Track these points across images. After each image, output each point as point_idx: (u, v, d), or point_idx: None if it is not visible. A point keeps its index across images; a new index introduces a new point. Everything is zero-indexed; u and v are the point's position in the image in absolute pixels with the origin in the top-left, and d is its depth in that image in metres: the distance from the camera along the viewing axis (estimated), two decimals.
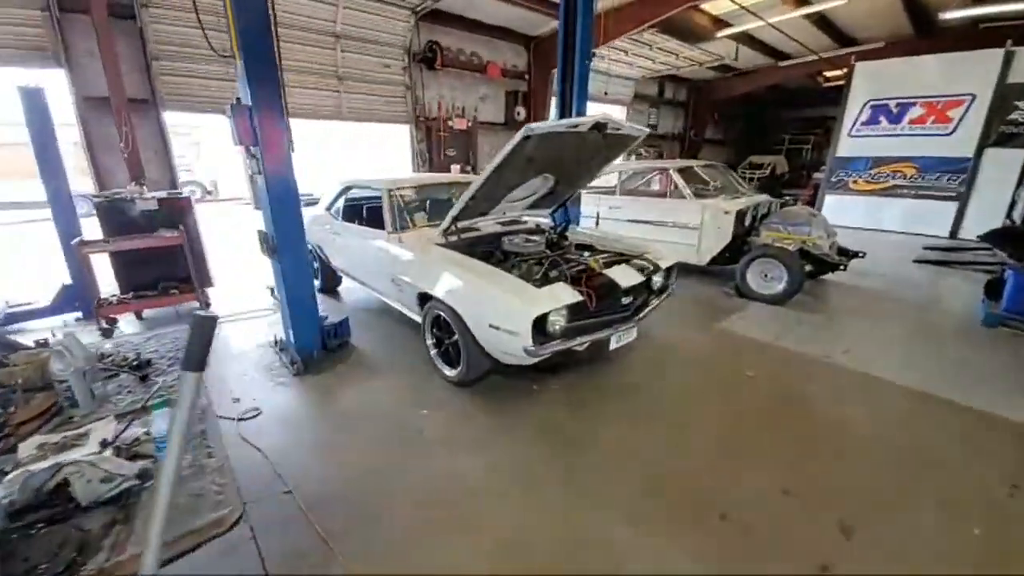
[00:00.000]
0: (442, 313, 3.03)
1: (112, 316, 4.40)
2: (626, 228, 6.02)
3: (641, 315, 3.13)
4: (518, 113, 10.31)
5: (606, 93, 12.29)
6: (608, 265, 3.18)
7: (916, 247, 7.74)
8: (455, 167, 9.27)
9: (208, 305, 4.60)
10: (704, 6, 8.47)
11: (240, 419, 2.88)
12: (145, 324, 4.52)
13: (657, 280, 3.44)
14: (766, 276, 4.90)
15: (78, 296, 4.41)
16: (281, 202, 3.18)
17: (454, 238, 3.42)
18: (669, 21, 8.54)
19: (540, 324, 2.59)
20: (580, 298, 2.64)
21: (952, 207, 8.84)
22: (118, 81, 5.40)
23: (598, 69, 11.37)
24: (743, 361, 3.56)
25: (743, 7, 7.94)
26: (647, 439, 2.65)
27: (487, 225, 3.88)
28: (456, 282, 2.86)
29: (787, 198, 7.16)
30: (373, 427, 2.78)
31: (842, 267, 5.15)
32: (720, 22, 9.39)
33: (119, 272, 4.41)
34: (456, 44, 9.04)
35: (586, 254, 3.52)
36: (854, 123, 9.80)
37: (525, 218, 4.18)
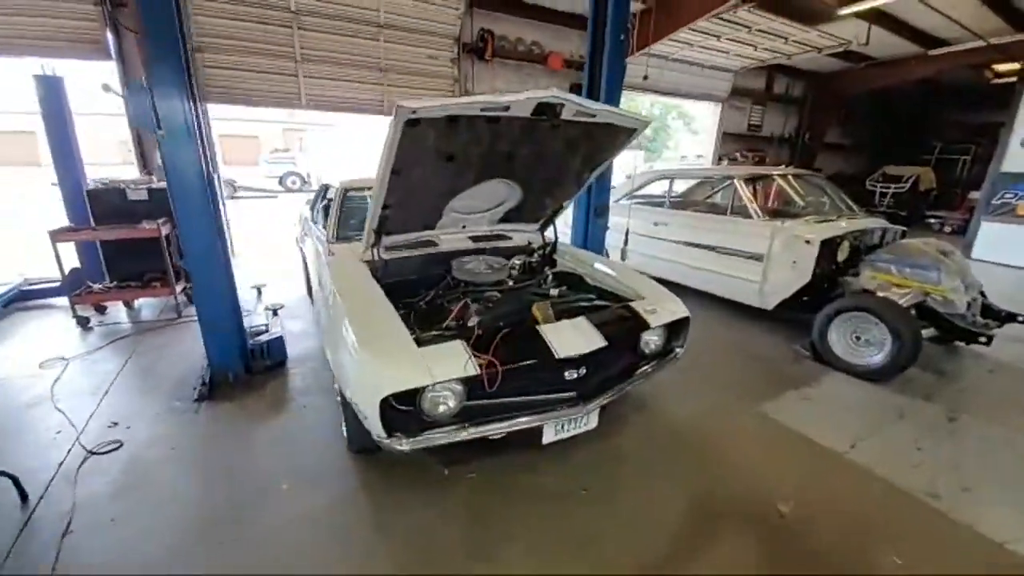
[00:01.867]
0: None
1: (101, 304, 4.40)
2: (672, 252, 4.77)
3: (609, 394, 2.09)
4: None
5: (689, 88, 10.64)
6: (568, 314, 2.18)
7: None
8: None
9: (181, 302, 4.40)
10: None
11: (92, 452, 2.43)
12: (133, 315, 4.46)
13: (650, 340, 2.35)
14: (858, 338, 3.40)
15: (85, 279, 4.47)
16: (186, 193, 2.68)
17: (387, 255, 2.66)
18: None
19: (412, 401, 1.73)
20: (473, 372, 1.71)
21: None
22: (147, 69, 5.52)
23: (682, 59, 9.82)
24: (782, 479, 2.30)
25: None
26: None
27: (455, 240, 3.07)
28: (325, 322, 2.10)
29: (932, 221, 5.24)
30: (214, 492, 2.13)
31: (983, 340, 3.38)
32: None
33: (108, 261, 4.39)
34: (514, 32, 8.24)
35: (553, 291, 2.54)
36: None
37: (516, 234, 3.27)
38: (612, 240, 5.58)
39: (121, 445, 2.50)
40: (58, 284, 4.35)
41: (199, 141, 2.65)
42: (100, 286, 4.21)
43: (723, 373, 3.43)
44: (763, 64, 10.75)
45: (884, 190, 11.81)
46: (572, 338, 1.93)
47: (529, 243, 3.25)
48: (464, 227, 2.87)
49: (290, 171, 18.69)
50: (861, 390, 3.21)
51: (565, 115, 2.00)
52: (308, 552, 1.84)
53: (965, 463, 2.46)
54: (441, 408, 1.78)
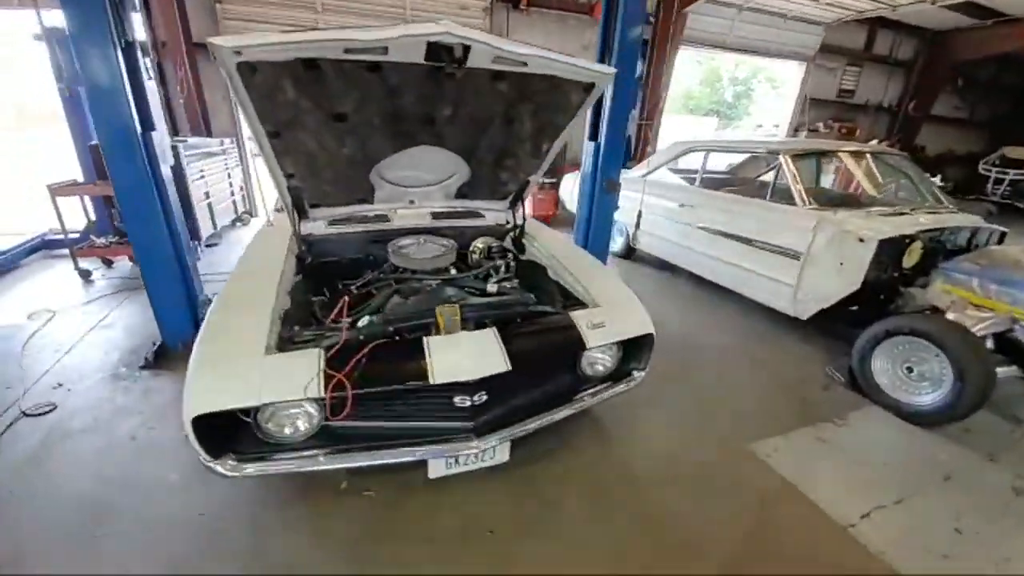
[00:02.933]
0: None
1: (107, 258, 4.54)
2: (698, 241, 4.07)
3: (522, 427, 1.67)
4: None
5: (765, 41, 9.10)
6: (493, 323, 1.76)
7: None
8: None
9: None
10: None
11: (25, 413, 2.41)
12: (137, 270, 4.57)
13: (596, 360, 1.87)
14: (910, 370, 2.66)
15: (100, 232, 4.61)
16: (114, 151, 2.49)
17: (330, 230, 2.37)
18: None
19: (254, 419, 1.43)
20: (315, 394, 1.35)
21: None
22: (173, 24, 5.46)
23: (759, 7, 8.38)
24: (739, 561, 1.78)
25: None
26: None
27: (412, 216, 2.70)
28: None
29: None
30: (105, 475, 2.00)
31: None
32: None
33: (111, 217, 4.48)
34: None
35: (492, 286, 2.10)
36: None
37: (491, 212, 2.82)
38: (628, 220, 4.95)
39: (54, 408, 2.47)
40: (78, 236, 4.53)
41: (127, 96, 2.42)
42: (102, 240, 4.31)
43: (726, 394, 2.84)
44: (862, 16, 8.98)
45: (1000, 176, 9.76)
46: (464, 358, 1.51)
47: (504, 223, 2.80)
48: (412, 202, 2.47)
49: None
50: (901, 435, 2.52)
51: (477, 62, 1.51)
52: (163, 559, 1.65)
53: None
54: (287, 430, 1.46)
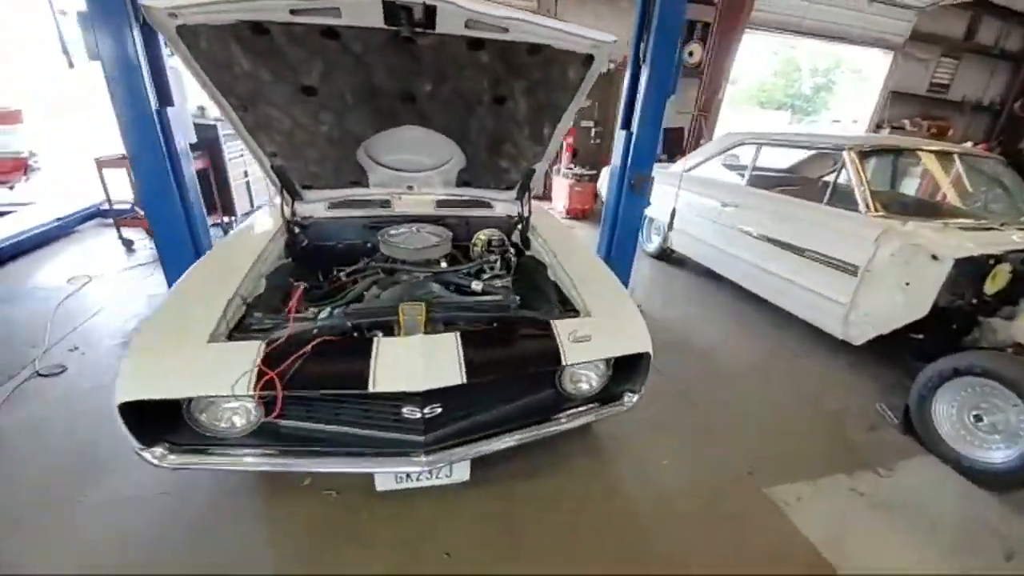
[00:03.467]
0: None
1: (149, 229, 4.76)
2: (740, 246, 3.66)
3: (482, 447, 1.49)
4: (690, 53, 7.56)
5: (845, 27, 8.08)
6: (466, 325, 1.58)
7: None
8: (587, 123, 7.48)
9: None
10: None
11: (39, 373, 2.52)
12: None
13: (581, 377, 1.64)
14: (979, 418, 2.21)
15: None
16: (129, 127, 2.51)
17: (331, 213, 2.30)
18: None
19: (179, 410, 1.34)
20: (243, 392, 1.23)
21: None
22: None
23: None
24: None
25: None
26: None
27: (415, 202, 2.57)
28: None
29: None
30: (88, 445, 2.03)
31: None
32: None
33: None
34: None
35: (476, 284, 1.91)
36: None
37: (497, 201, 2.62)
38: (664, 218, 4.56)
39: (64, 371, 2.57)
40: (127, 208, 4.81)
41: (142, 72, 2.42)
42: (143, 212, 4.52)
43: (751, 422, 2.51)
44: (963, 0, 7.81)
45: None
46: (414, 364, 1.33)
47: (513, 216, 2.59)
48: (411, 188, 2.31)
49: None
50: (959, 496, 2.10)
51: (447, 27, 1.30)
52: (112, 541, 1.62)
53: None
54: (223, 425, 1.36)
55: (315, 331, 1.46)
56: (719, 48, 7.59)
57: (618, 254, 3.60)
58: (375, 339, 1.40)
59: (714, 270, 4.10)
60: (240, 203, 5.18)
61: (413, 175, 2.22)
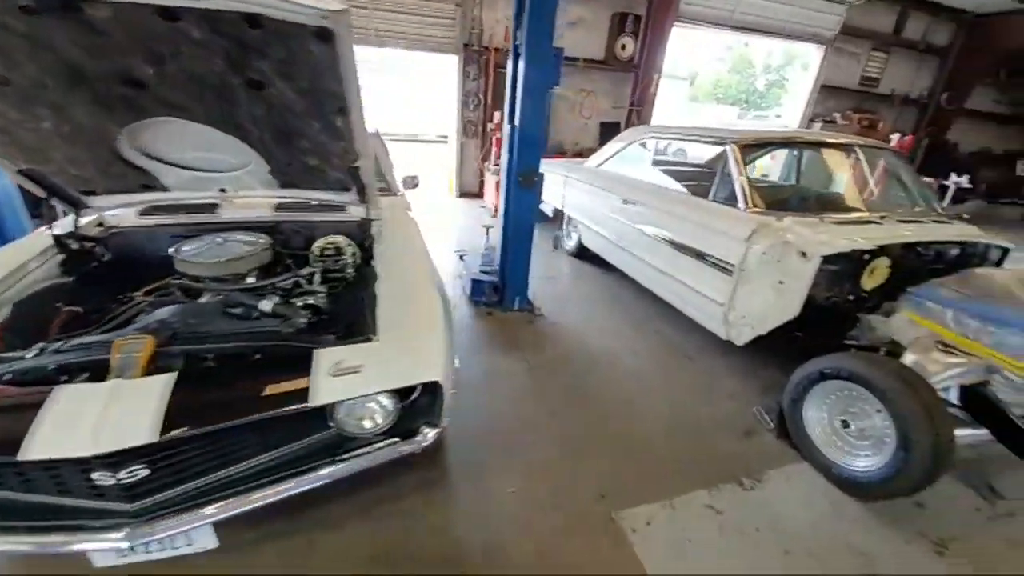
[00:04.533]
0: None
1: None
2: (636, 243, 3.52)
3: (229, 507, 1.22)
4: (623, 47, 7.44)
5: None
6: (215, 361, 1.31)
7: None
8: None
9: None
10: None
11: None
12: None
13: (365, 411, 1.40)
14: (846, 423, 2.10)
15: None
16: None
17: (139, 221, 1.98)
18: None
19: None
20: None
21: None
22: None
23: None
24: None
25: None
26: None
27: (245, 207, 2.27)
28: None
29: None
30: None
31: None
32: None
33: None
34: None
35: (265, 305, 1.64)
36: None
37: (342, 203, 2.34)
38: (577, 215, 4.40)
39: None
40: None
41: None
42: None
43: (618, 436, 2.33)
44: None
45: None
46: (93, 420, 1.05)
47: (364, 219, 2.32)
48: (224, 191, 2.02)
49: None
50: (824, 508, 1.98)
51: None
52: None
53: None
54: None
55: (9, 376, 1.17)
56: (651, 42, 7.51)
57: (514, 254, 3.41)
58: (57, 387, 1.12)
59: (623, 270, 3.96)
60: None
61: (216, 175, 1.92)
